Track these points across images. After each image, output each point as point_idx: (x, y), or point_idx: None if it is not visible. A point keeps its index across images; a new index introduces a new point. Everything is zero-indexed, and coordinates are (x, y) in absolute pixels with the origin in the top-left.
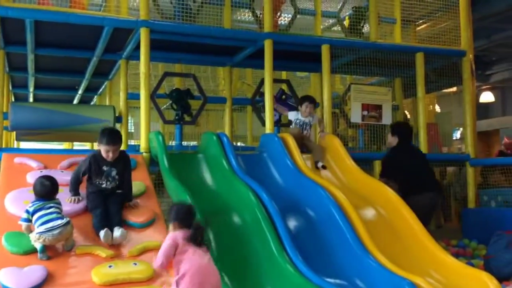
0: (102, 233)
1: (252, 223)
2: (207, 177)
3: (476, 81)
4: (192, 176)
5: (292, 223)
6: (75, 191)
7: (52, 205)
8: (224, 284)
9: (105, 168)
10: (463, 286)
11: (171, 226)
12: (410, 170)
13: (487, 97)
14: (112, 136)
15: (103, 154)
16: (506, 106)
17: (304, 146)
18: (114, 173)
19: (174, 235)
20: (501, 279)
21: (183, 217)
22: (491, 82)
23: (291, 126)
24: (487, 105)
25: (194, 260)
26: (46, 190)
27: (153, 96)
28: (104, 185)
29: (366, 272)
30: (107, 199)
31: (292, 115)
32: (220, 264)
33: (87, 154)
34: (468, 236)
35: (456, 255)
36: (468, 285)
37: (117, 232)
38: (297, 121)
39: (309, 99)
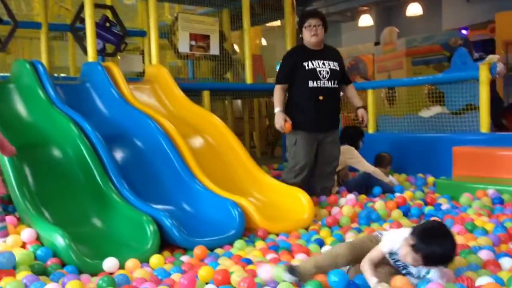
0: None
1: (74, 155)
2: (21, 109)
3: (297, 16)
4: (2, 108)
5: (118, 154)
6: None
7: None
8: (44, 219)
9: None
10: (280, 201)
11: None
12: None
13: None
14: None
15: None
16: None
17: None
18: None
19: None
20: (312, 194)
21: None
22: None
23: None
24: None
25: None
26: None
27: None
28: None
29: (194, 197)
30: None
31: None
32: (39, 199)
33: None
34: (287, 160)
35: (277, 177)
36: (284, 200)
37: None
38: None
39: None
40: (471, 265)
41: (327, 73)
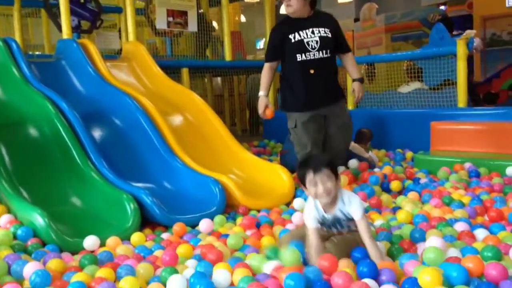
0: None
1: (51, 134)
2: None
3: None
4: None
5: (97, 133)
6: None
7: None
8: (22, 198)
9: None
10: (261, 178)
11: None
12: None
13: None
14: None
15: None
16: None
17: None
18: None
19: None
20: (293, 170)
21: None
22: None
23: None
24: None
25: None
26: None
27: None
28: None
29: (174, 175)
30: None
31: None
32: (17, 178)
33: None
34: (268, 137)
35: (258, 154)
36: (265, 176)
37: None
38: None
39: None
40: (447, 236)
41: (317, 42)
